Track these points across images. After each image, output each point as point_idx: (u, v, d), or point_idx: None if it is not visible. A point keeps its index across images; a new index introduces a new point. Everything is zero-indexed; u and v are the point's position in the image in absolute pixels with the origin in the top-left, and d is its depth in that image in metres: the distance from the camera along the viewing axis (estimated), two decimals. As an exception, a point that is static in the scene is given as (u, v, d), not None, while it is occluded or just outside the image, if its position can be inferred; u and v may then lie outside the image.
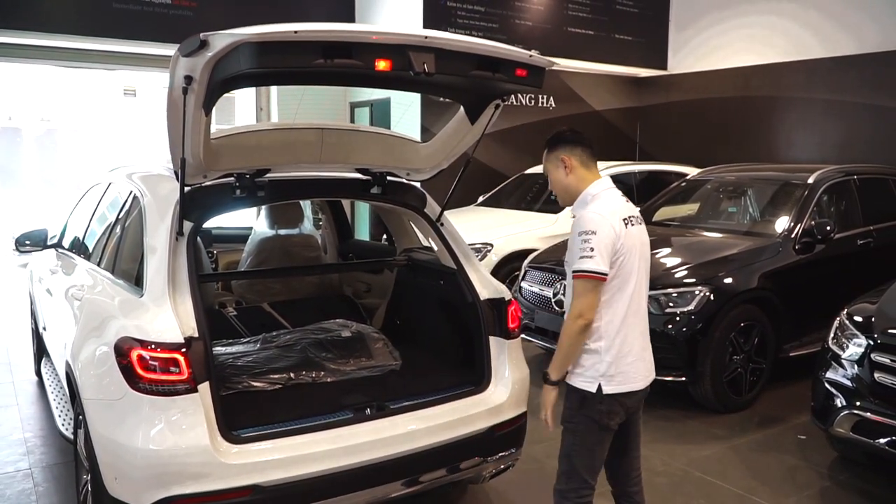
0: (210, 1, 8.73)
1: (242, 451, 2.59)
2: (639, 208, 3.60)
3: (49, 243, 4.74)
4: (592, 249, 2.39)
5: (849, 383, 3.71)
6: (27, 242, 4.68)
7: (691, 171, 7.40)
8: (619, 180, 5.55)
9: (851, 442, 3.74)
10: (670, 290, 4.74)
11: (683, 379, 4.69)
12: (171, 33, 8.19)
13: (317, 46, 2.24)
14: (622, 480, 2.76)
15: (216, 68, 2.29)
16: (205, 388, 2.56)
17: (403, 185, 3.53)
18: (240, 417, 2.77)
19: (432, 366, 3.57)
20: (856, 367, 3.69)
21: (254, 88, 10.03)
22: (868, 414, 3.57)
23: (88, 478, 2.89)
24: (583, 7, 10.03)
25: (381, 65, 2.32)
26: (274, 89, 10.08)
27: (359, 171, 3.43)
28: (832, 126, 9.05)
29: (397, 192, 3.49)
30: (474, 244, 6.55)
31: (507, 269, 6.70)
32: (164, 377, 2.51)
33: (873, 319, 3.75)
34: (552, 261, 5.61)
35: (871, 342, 3.64)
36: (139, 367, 2.51)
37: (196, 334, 2.59)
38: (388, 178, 3.43)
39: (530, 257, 5.95)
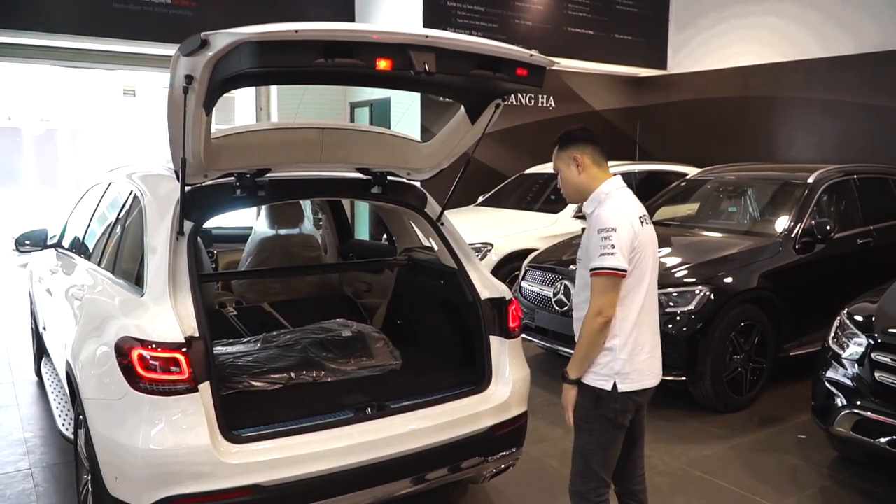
0: (210, 1, 8.73)
1: (243, 450, 2.59)
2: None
3: (49, 243, 4.74)
4: (613, 247, 2.39)
5: (849, 383, 3.70)
6: (27, 242, 4.68)
7: (691, 171, 7.40)
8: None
9: (852, 441, 3.74)
10: (670, 289, 4.74)
11: (684, 378, 4.70)
12: (171, 33, 8.19)
13: (317, 46, 2.24)
14: (626, 479, 2.76)
15: (217, 68, 2.29)
16: (205, 387, 2.55)
17: (404, 185, 3.53)
18: (240, 417, 2.76)
19: (433, 365, 3.57)
20: (856, 366, 3.69)
21: (254, 88, 10.03)
22: (868, 413, 3.57)
23: (89, 478, 2.88)
24: (583, 7, 10.03)
25: (382, 64, 2.32)
26: (274, 89, 10.08)
27: (359, 170, 3.43)
28: (832, 126, 9.05)
29: (397, 191, 3.49)
30: (474, 244, 6.55)
31: (508, 268, 6.70)
32: (164, 377, 2.50)
33: (874, 319, 3.75)
34: (552, 260, 5.61)
35: (872, 341, 3.64)
36: (140, 367, 2.51)
37: (196, 334, 2.59)
38: (389, 177, 3.43)
39: (530, 257, 5.95)
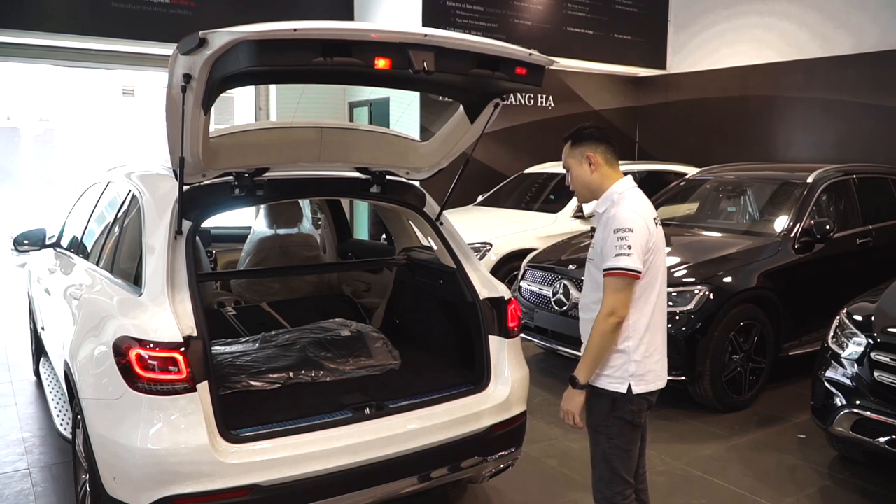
0: (209, 0, 8.72)
1: (241, 450, 2.59)
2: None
3: (47, 243, 4.73)
4: (630, 247, 2.38)
5: (848, 382, 3.70)
6: (25, 242, 4.67)
7: (690, 171, 7.40)
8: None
9: (851, 441, 3.74)
10: (670, 289, 4.71)
11: (683, 378, 4.69)
12: (171, 33, 8.18)
13: (316, 45, 2.23)
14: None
15: (215, 66, 2.28)
16: (203, 387, 2.55)
17: (403, 185, 3.53)
18: (239, 417, 2.76)
19: (432, 365, 3.56)
20: (855, 366, 3.69)
21: (253, 88, 10.02)
22: (868, 413, 3.57)
23: (87, 478, 2.88)
24: (582, 7, 10.03)
25: (381, 63, 2.31)
26: (273, 88, 10.07)
27: (358, 170, 3.43)
28: (831, 125, 9.05)
29: (396, 191, 3.48)
30: (474, 243, 6.55)
31: (507, 268, 6.70)
32: (162, 377, 2.50)
33: (873, 318, 3.75)
34: (551, 260, 5.60)
35: (871, 341, 3.64)
36: (138, 367, 2.51)
37: (195, 333, 2.58)
38: (388, 177, 3.43)
39: (529, 257, 5.94)
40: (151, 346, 2.51)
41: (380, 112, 9.75)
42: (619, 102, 11.16)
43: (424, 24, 8.58)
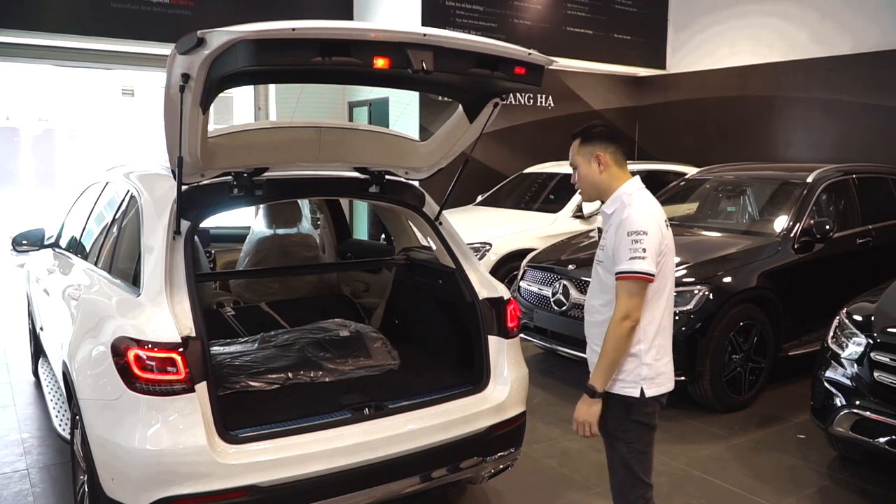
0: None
1: (240, 451, 2.58)
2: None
3: (46, 243, 4.73)
4: (644, 250, 2.35)
5: (848, 382, 3.70)
6: (24, 242, 4.67)
7: (690, 171, 7.39)
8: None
9: (851, 441, 3.73)
10: (669, 289, 4.73)
11: (683, 378, 4.68)
12: (170, 32, 8.17)
13: (315, 44, 2.23)
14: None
15: (213, 66, 2.28)
16: (202, 387, 2.54)
17: (402, 184, 3.52)
18: (237, 417, 2.75)
19: (431, 365, 3.56)
20: (855, 366, 3.68)
21: (252, 87, 10.01)
22: (867, 413, 3.56)
23: (85, 478, 2.88)
24: (581, 6, 10.02)
25: (380, 62, 2.30)
26: (272, 88, 10.06)
27: (357, 169, 3.42)
28: (830, 125, 9.04)
29: (396, 191, 3.47)
30: (473, 243, 6.54)
31: (506, 268, 6.69)
32: (160, 377, 2.49)
33: (873, 318, 3.75)
34: (551, 260, 5.60)
35: (871, 341, 3.64)
36: (136, 367, 2.50)
37: (193, 334, 2.58)
38: (387, 177, 3.42)
39: (529, 257, 5.94)
40: (150, 346, 2.51)
41: (379, 112, 9.75)
42: (618, 102, 11.16)
43: (424, 24, 8.58)
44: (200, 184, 2.96)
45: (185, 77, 2.34)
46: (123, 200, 3.52)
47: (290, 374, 3.31)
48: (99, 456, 2.64)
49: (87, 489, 2.85)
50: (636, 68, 10.85)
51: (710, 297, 4.70)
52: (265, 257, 4.57)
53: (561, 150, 9.57)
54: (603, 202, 2.61)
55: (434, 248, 3.58)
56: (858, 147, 8.52)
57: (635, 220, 2.40)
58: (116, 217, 3.58)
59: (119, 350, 2.55)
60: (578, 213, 7.34)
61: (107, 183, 4.06)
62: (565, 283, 5.19)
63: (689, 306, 4.66)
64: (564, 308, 5.17)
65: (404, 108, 8.94)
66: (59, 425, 3.70)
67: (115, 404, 2.57)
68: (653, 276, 2.38)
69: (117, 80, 14.47)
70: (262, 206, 4.65)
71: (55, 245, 4.69)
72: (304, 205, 5.03)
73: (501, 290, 3.36)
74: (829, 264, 5.37)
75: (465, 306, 3.32)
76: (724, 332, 4.72)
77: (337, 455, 2.70)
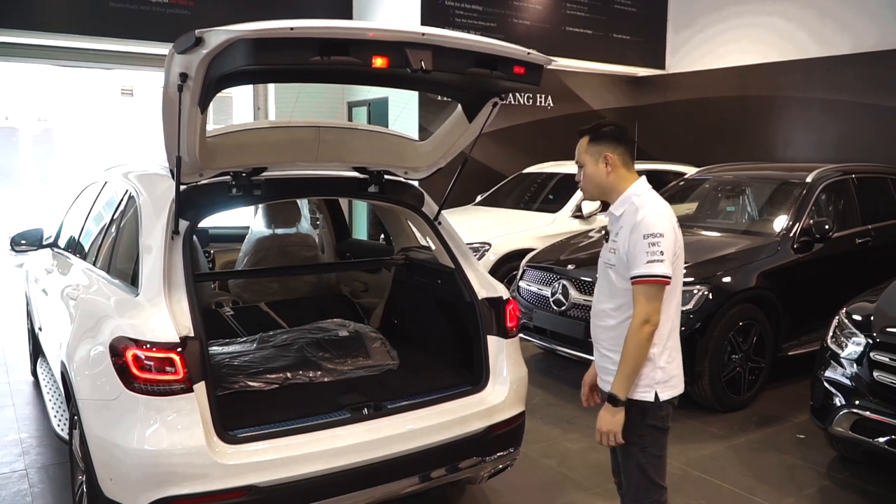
0: (207, -1, 8.71)
1: (239, 451, 2.57)
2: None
3: (45, 243, 4.72)
4: (662, 253, 2.32)
5: (848, 382, 3.70)
6: (23, 242, 4.66)
7: (689, 171, 7.39)
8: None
9: (850, 441, 3.73)
10: (669, 289, 4.72)
11: (682, 378, 4.68)
12: (169, 32, 8.13)
13: (313, 43, 2.22)
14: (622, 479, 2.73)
15: (212, 65, 2.27)
16: (200, 388, 2.54)
17: (401, 184, 3.52)
18: (236, 417, 2.75)
19: (430, 365, 3.55)
20: (855, 365, 3.68)
21: (251, 87, 10.01)
22: (867, 413, 3.56)
23: (84, 478, 2.87)
24: (581, 6, 10.02)
25: (379, 62, 2.30)
26: (271, 88, 10.06)
27: (356, 169, 3.41)
28: (830, 125, 9.04)
29: (395, 190, 3.47)
30: (472, 243, 6.54)
31: (506, 268, 6.68)
32: (159, 377, 2.49)
33: (872, 318, 3.74)
34: (550, 260, 5.60)
35: (871, 341, 3.64)
36: (134, 367, 2.49)
37: (192, 334, 2.57)
38: (386, 176, 3.41)
39: (528, 256, 5.93)
40: (148, 346, 2.50)
41: (378, 112, 9.75)
42: (617, 102, 11.16)
43: (423, 24, 8.57)
44: (199, 183, 2.95)
45: (184, 76, 2.34)
46: (122, 200, 3.51)
47: (288, 374, 3.30)
48: (97, 456, 2.63)
49: (85, 489, 2.85)
50: (635, 68, 10.85)
51: (710, 296, 4.69)
52: (264, 257, 4.56)
53: (560, 150, 9.55)
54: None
55: (433, 247, 3.58)
56: (858, 147, 8.53)
57: (651, 222, 2.36)
58: (115, 217, 3.57)
59: (117, 350, 2.54)
60: (578, 213, 7.34)
61: (105, 183, 4.06)
62: (564, 282, 5.19)
63: (689, 306, 4.65)
64: (564, 308, 5.16)
65: (403, 108, 8.94)
66: (58, 425, 3.70)
67: (114, 404, 2.56)
68: (670, 278, 2.36)
69: (116, 80, 14.46)
70: (260, 205, 4.65)
71: (54, 245, 4.69)
72: (303, 205, 5.02)
73: (501, 290, 3.36)
74: (828, 264, 5.36)
75: (464, 306, 3.32)
76: (723, 332, 4.72)
77: (336, 455, 2.70)
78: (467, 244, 3.62)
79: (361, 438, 2.77)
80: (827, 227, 5.17)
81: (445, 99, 3.63)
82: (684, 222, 6.07)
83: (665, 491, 2.55)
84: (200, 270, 4.25)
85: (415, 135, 7.03)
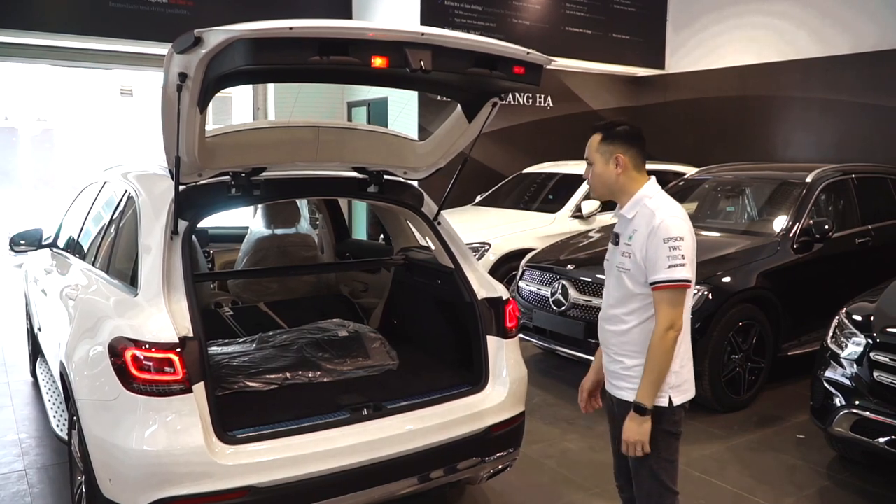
0: None
1: (238, 451, 2.57)
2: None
3: (44, 243, 4.72)
4: (684, 257, 2.29)
5: (848, 382, 3.69)
6: (22, 242, 4.66)
7: (689, 171, 7.39)
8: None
9: (850, 441, 3.73)
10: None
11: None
12: (168, 32, 8.10)
13: (313, 43, 2.22)
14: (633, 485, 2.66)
15: (211, 65, 2.27)
16: (200, 388, 2.53)
17: (400, 184, 3.51)
18: (235, 418, 2.74)
19: (430, 365, 3.55)
20: (855, 366, 3.68)
21: (250, 87, 10.00)
22: (867, 413, 3.56)
23: (83, 479, 2.87)
24: (580, 6, 10.02)
25: (378, 62, 2.29)
26: (271, 88, 10.05)
27: (355, 169, 3.41)
28: (829, 125, 9.04)
29: (394, 190, 3.47)
30: (472, 243, 6.53)
31: (505, 268, 6.68)
32: (158, 377, 2.48)
33: (872, 318, 3.74)
34: (550, 260, 5.59)
35: (871, 341, 3.63)
36: (133, 368, 2.49)
37: (191, 334, 2.57)
38: (385, 176, 3.41)
39: (528, 257, 5.93)
40: (147, 346, 2.50)
41: (378, 112, 9.74)
42: (617, 102, 11.15)
43: (423, 24, 8.57)
44: (198, 184, 2.95)
45: (183, 76, 2.33)
46: (121, 200, 3.51)
47: (288, 375, 3.30)
48: (96, 456, 2.63)
49: (84, 490, 2.84)
50: (635, 68, 10.84)
51: (710, 296, 4.69)
52: (263, 257, 4.56)
53: (560, 150, 9.54)
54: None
55: (433, 248, 3.58)
56: (857, 147, 8.52)
57: (670, 225, 2.32)
58: (114, 217, 3.57)
59: (116, 350, 2.54)
60: (577, 213, 7.33)
61: (105, 183, 4.06)
62: (564, 283, 5.19)
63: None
64: (563, 308, 5.16)
65: (403, 108, 8.93)
66: (57, 426, 3.70)
67: (113, 405, 2.56)
68: (691, 282, 2.33)
69: (116, 80, 14.48)
70: (260, 206, 4.64)
71: (53, 245, 4.68)
72: (303, 205, 5.02)
73: (500, 290, 3.35)
74: (828, 264, 5.36)
75: (463, 306, 3.31)
76: (723, 332, 4.71)
77: (335, 455, 2.69)
78: (467, 244, 3.61)
79: (361, 439, 2.77)
80: (827, 227, 5.17)
81: (445, 99, 3.63)
82: (684, 222, 6.12)
83: (677, 496, 2.51)
84: (200, 270, 4.25)
85: (414, 135, 7.03)
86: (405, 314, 4.13)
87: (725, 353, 4.75)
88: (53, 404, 3.99)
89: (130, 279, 2.93)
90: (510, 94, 3.14)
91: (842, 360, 3.76)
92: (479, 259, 6.50)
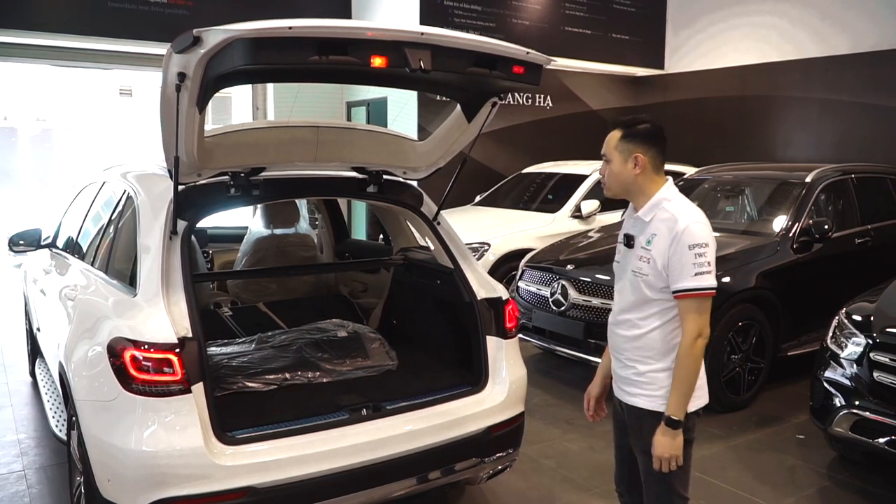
0: (206, -1, 8.71)
1: (237, 452, 2.57)
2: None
3: (43, 243, 4.71)
4: (709, 264, 2.23)
5: (848, 382, 3.69)
6: (21, 242, 4.65)
7: (689, 171, 7.38)
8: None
9: (850, 441, 3.73)
10: (668, 289, 4.71)
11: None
12: (168, 32, 8.09)
13: (312, 43, 2.21)
14: (635, 488, 2.63)
15: (210, 65, 2.26)
16: (199, 388, 2.53)
17: (400, 184, 3.51)
18: (234, 418, 2.74)
19: (429, 366, 3.54)
20: (855, 366, 3.68)
21: (250, 87, 10.00)
22: (867, 413, 3.56)
23: (82, 479, 2.86)
24: (580, 6, 10.02)
25: (377, 61, 2.29)
26: (270, 88, 10.05)
27: (355, 169, 3.41)
28: (829, 125, 9.04)
29: (394, 190, 3.46)
30: (471, 243, 6.53)
31: (505, 268, 6.68)
32: (157, 378, 2.48)
33: (872, 318, 3.74)
34: (549, 260, 5.59)
35: (870, 341, 3.63)
36: (132, 368, 2.49)
37: (190, 334, 2.56)
38: (385, 176, 3.41)
39: (527, 257, 5.93)
40: (146, 347, 2.49)
41: (377, 112, 9.74)
42: (617, 102, 11.15)
43: (422, 23, 8.56)
44: (197, 184, 2.94)
45: (182, 76, 2.33)
46: (120, 200, 3.51)
47: (287, 375, 3.29)
48: (95, 457, 2.63)
49: (83, 490, 2.84)
50: (635, 68, 10.84)
51: (709, 297, 4.68)
52: (263, 257, 4.55)
53: (560, 150, 9.54)
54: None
55: (432, 248, 3.57)
56: (857, 147, 8.52)
57: (695, 231, 2.25)
58: (113, 217, 3.56)
59: (115, 351, 2.53)
60: (577, 213, 7.33)
61: (104, 183, 4.05)
62: (564, 283, 5.18)
63: (688, 306, 4.64)
64: (563, 308, 5.16)
65: (402, 108, 8.93)
66: (56, 426, 3.69)
67: (112, 405, 2.55)
68: (716, 289, 2.28)
69: (115, 80, 14.47)
70: (259, 206, 4.64)
71: (52, 245, 4.67)
72: (302, 205, 5.01)
73: (500, 291, 3.35)
74: (827, 264, 5.36)
75: (463, 306, 3.31)
76: (722, 332, 4.71)
77: (335, 456, 2.69)
78: (466, 244, 3.61)
79: (360, 439, 2.76)
80: (826, 227, 5.17)
81: (444, 99, 3.62)
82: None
83: (688, 502, 2.48)
84: (199, 271, 4.24)
85: (414, 135, 7.03)
86: (404, 314, 4.12)
87: (725, 353, 4.75)
88: (52, 405, 3.99)
89: (129, 279, 2.93)
90: (510, 94, 3.13)
91: (842, 360, 3.76)
92: (478, 259, 6.50)
